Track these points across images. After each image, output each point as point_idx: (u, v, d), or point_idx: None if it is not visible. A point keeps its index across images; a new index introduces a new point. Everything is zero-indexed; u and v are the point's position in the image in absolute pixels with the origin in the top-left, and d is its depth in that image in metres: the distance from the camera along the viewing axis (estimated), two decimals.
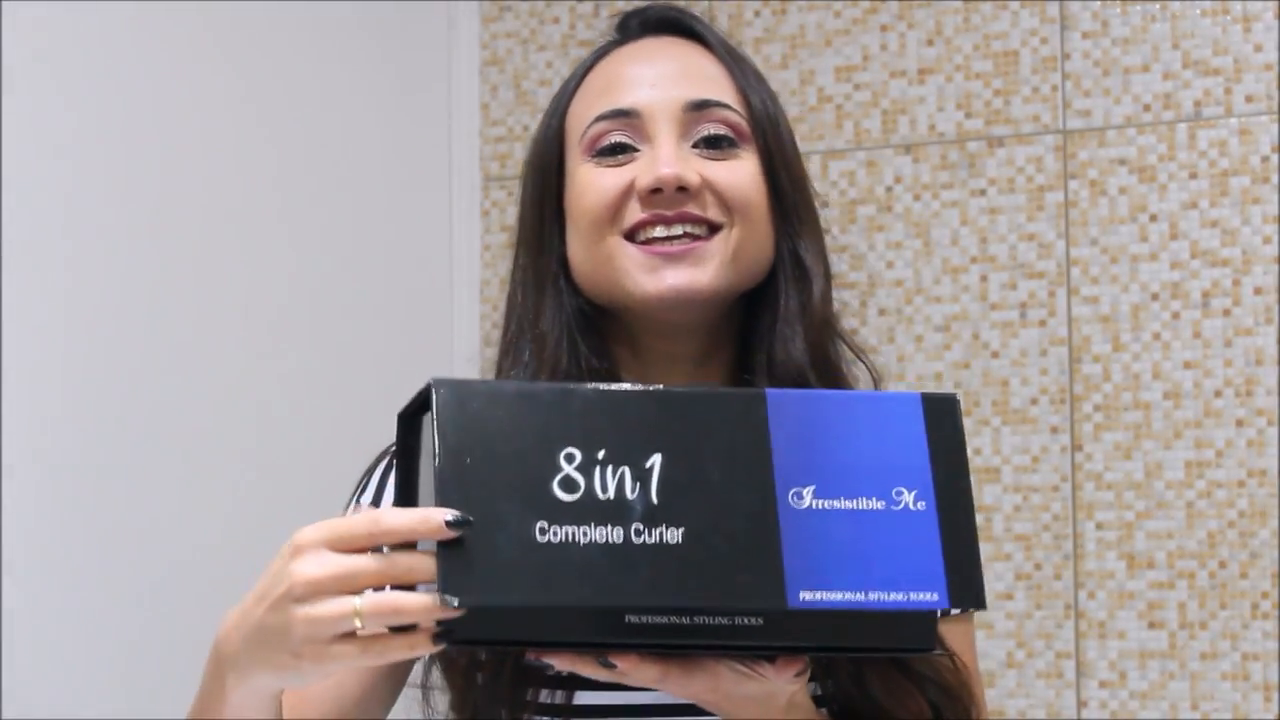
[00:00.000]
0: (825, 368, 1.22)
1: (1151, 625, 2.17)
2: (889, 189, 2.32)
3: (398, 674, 1.22)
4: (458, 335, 2.47)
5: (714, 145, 1.20)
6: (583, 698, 1.14)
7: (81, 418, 1.78)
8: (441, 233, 2.47)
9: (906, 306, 2.29)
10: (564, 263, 1.23)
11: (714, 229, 1.18)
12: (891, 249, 2.31)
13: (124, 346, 1.83)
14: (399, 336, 2.32)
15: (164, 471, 1.87)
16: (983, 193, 2.28)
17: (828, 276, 1.23)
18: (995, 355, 2.26)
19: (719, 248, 1.18)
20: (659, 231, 1.17)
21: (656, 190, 1.17)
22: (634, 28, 1.29)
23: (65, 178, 1.78)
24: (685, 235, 1.17)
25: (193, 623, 1.70)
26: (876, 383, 1.27)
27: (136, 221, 1.86)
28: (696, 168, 1.18)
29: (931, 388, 2.27)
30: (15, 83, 1.70)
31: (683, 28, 1.26)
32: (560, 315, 1.22)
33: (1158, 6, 2.22)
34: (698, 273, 1.17)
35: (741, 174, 1.20)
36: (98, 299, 1.81)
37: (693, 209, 1.17)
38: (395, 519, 0.91)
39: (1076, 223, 2.24)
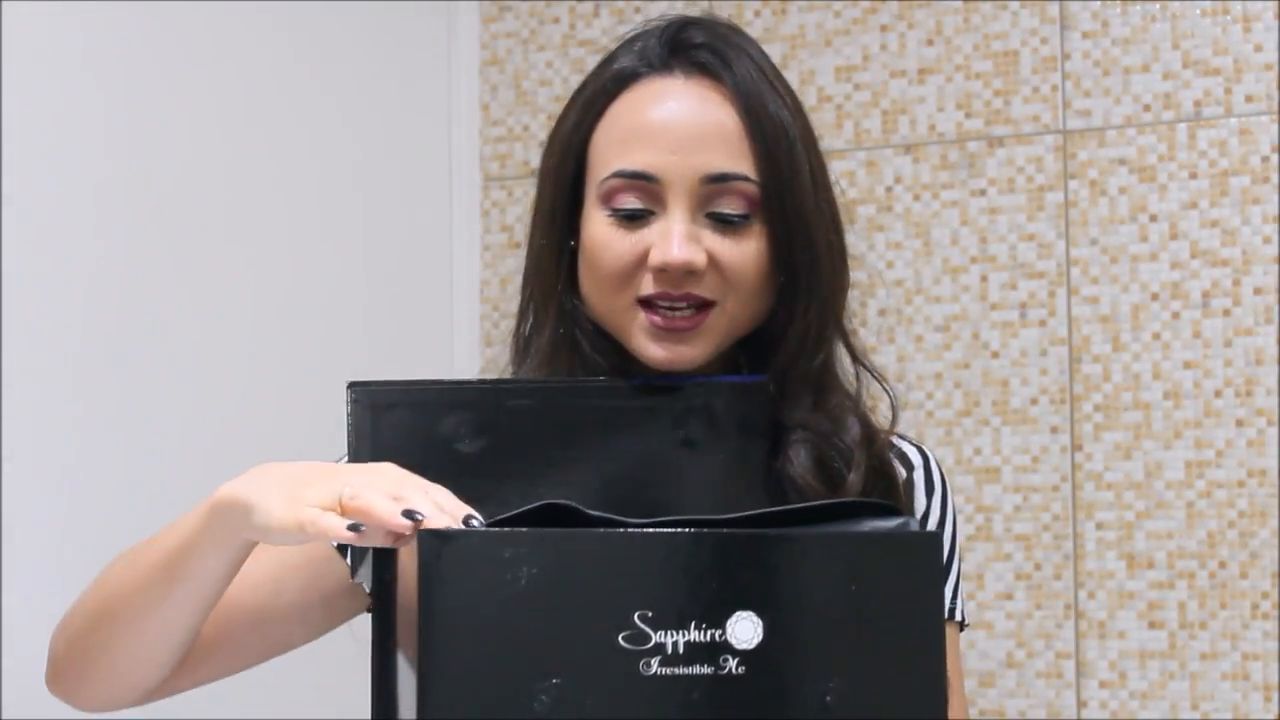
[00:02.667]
0: (816, 406, 1.27)
1: (1151, 625, 2.17)
2: (889, 189, 2.32)
3: (334, 608, 1.27)
4: (458, 335, 2.47)
5: (725, 222, 1.23)
6: None
7: (82, 418, 1.78)
8: (441, 233, 2.47)
9: (906, 306, 2.29)
10: (572, 273, 1.28)
11: (707, 304, 1.23)
12: (891, 249, 2.31)
13: (124, 346, 1.83)
14: (399, 336, 2.32)
15: (164, 471, 1.87)
16: (983, 193, 2.28)
17: (839, 314, 1.28)
18: (995, 355, 2.26)
19: (712, 324, 1.23)
20: (664, 303, 1.23)
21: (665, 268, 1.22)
22: (662, 58, 1.27)
23: (65, 178, 1.77)
24: (688, 307, 1.23)
25: None
26: (894, 408, 1.31)
27: (136, 222, 1.86)
28: (707, 244, 1.22)
29: (931, 387, 2.27)
30: (15, 83, 1.70)
31: (711, 72, 1.26)
32: (566, 322, 1.28)
33: (1158, 6, 2.22)
34: (690, 349, 1.23)
35: (746, 253, 1.23)
36: (98, 300, 1.81)
37: (695, 290, 1.22)
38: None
39: (1076, 223, 2.24)
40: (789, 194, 1.24)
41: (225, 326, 1.98)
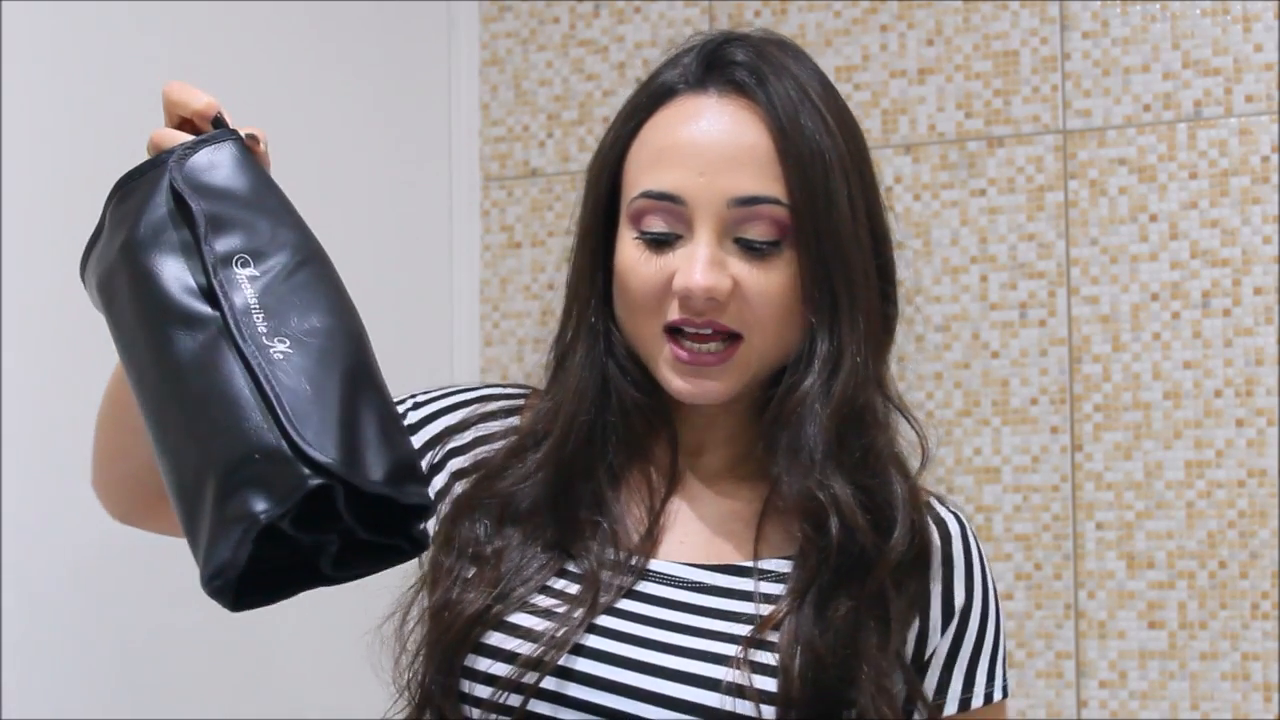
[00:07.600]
0: (843, 447, 1.22)
1: (1151, 625, 2.17)
2: (889, 189, 2.32)
3: None
4: (458, 335, 2.47)
5: (752, 249, 1.20)
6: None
7: (81, 417, 1.78)
8: (441, 233, 2.47)
9: (906, 306, 2.29)
10: (609, 293, 1.27)
11: (735, 336, 1.21)
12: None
13: None
14: (399, 336, 2.32)
15: None
16: (983, 193, 2.28)
17: (876, 350, 1.26)
18: (995, 355, 2.26)
19: (740, 359, 1.21)
20: (689, 329, 1.21)
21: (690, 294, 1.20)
22: (698, 76, 1.25)
23: (64, 176, 1.77)
24: (714, 337, 1.21)
25: (194, 623, 1.70)
26: (922, 444, 1.28)
27: None
28: (733, 270, 1.20)
29: (931, 387, 2.27)
30: (16, 83, 1.70)
31: (746, 90, 1.22)
32: (598, 346, 1.27)
33: (1158, 6, 2.22)
34: (715, 384, 1.21)
35: (773, 283, 1.21)
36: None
37: (719, 318, 1.20)
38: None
39: (1076, 223, 2.24)
40: (822, 219, 1.20)
41: None
